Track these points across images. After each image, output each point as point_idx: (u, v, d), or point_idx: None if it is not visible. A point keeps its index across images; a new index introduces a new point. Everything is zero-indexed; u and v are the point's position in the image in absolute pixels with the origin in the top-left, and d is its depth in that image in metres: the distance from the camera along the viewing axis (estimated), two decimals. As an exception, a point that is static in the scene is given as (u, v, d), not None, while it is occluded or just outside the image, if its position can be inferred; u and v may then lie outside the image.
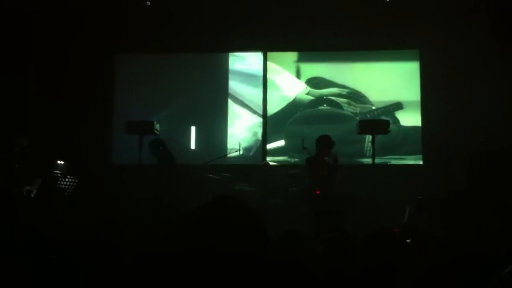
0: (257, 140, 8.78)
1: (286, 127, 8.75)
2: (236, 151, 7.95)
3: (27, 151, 6.62)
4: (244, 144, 8.58)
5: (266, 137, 8.76)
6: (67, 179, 6.39)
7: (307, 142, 7.05)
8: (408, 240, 3.83)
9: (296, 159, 8.39)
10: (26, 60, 8.43)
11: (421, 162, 8.46)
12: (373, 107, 8.68)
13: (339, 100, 8.76)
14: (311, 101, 8.79)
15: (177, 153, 8.39)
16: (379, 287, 2.34)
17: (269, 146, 8.76)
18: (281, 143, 8.75)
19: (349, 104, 8.73)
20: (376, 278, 2.37)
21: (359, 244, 2.73)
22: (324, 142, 6.61)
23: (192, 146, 8.76)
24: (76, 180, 6.48)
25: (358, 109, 8.70)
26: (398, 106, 8.64)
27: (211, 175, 7.54)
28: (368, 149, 8.03)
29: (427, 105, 8.45)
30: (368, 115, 8.61)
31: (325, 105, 8.80)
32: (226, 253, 1.15)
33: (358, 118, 8.36)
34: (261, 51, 8.92)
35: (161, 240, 2.66)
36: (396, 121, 8.56)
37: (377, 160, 7.17)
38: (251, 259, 1.16)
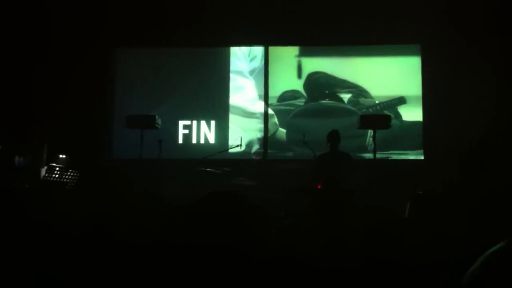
0: (259, 134, 8.75)
1: (288, 120, 8.74)
2: (238, 145, 7.94)
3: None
4: (246, 139, 8.57)
5: (268, 131, 8.75)
6: (68, 173, 6.39)
7: (308, 136, 7.03)
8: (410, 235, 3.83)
9: (297, 153, 8.38)
10: (25, 54, 8.41)
11: (422, 157, 8.46)
12: (376, 101, 8.65)
13: (341, 94, 8.75)
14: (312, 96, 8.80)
15: (178, 147, 8.42)
16: (379, 282, 2.34)
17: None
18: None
19: (350, 98, 8.72)
20: (377, 273, 2.37)
21: (360, 239, 2.72)
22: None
23: (193, 140, 8.75)
24: (78, 174, 6.48)
25: (360, 103, 8.69)
26: (401, 100, 8.61)
27: (212, 170, 7.54)
28: (369, 143, 8.03)
29: (428, 100, 8.44)
30: (370, 110, 8.59)
31: (327, 99, 8.78)
32: (223, 248, 1.14)
33: (360, 112, 8.35)
34: (263, 45, 8.91)
35: (155, 234, 2.68)
36: (398, 115, 8.54)
37: (378, 155, 7.17)
38: (248, 255, 1.16)
